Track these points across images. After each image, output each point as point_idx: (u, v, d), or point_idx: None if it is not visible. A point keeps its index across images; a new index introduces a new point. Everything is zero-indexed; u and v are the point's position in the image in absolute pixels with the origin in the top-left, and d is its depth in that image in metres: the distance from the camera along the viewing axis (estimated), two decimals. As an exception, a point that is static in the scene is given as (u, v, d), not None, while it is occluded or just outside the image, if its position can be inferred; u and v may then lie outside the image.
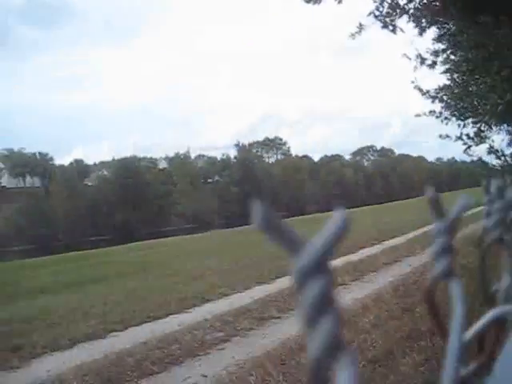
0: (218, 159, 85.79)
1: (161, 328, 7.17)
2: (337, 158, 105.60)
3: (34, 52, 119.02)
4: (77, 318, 8.11)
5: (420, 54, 6.40)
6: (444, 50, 6.71)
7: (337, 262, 11.77)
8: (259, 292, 9.18)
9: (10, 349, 6.48)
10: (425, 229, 18.42)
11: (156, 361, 5.67)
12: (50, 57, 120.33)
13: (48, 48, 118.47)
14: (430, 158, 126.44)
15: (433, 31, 6.04)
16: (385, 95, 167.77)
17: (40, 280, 13.85)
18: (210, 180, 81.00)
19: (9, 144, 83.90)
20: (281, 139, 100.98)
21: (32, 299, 10.81)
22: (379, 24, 5.10)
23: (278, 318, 7.34)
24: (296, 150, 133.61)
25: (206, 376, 5.17)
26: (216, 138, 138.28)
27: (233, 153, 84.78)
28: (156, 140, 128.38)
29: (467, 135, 6.77)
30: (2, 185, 73.35)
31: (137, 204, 65.81)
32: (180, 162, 77.55)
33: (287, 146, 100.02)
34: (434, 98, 7.57)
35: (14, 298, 10.92)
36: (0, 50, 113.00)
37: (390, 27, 5.07)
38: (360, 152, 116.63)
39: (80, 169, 75.11)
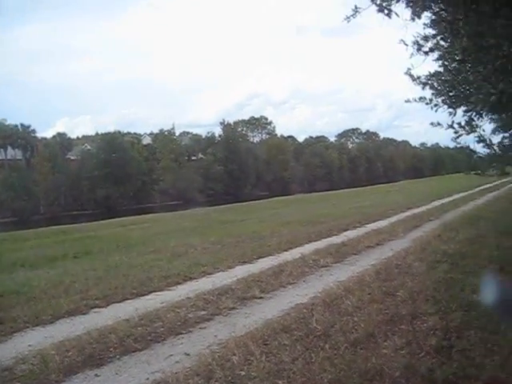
0: (203, 137, 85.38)
1: (143, 305, 7.15)
2: (322, 139, 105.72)
3: (20, 21, 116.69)
4: (58, 293, 8.05)
5: (417, 41, 6.36)
6: (434, 36, 6.67)
7: (320, 244, 11.86)
8: (242, 271, 9.20)
9: (-10, 322, 6.45)
10: (407, 213, 18.62)
11: (139, 338, 5.66)
12: (36, 26, 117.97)
13: (34, 17, 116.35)
14: (414, 143, 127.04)
15: (425, 16, 5.99)
16: (372, 79, 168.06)
17: (21, 253, 13.77)
18: (194, 157, 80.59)
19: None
20: (266, 119, 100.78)
21: (12, 273, 10.75)
22: (374, 8, 5.04)
23: (261, 298, 7.36)
24: (281, 130, 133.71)
25: (188, 354, 5.18)
26: (201, 115, 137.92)
27: (218, 131, 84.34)
28: (140, 115, 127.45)
29: (459, 124, 6.77)
30: (-17, 156, 72.39)
31: (119, 179, 65.33)
32: (164, 138, 76.96)
33: (272, 125, 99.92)
34: (424, 84, 7.55)
35: (-6, 272, 10.87)
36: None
37: (386, 11, 5.01)
38: (345, 134, 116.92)
39: (63, 142, 74.28)
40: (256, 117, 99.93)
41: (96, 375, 4.82)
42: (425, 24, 6.37)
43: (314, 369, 4.42)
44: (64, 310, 7.00)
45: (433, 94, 7.58)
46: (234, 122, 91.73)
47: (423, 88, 7.61)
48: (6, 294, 8.23)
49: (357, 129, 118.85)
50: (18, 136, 71.58)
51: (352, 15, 5.21)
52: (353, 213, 19.84)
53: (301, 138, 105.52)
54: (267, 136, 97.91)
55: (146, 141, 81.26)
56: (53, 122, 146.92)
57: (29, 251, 14.22)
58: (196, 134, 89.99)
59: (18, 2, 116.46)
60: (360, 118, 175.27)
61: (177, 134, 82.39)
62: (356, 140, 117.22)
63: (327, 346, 4.95)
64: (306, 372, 4.36)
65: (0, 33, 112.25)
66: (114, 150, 68.30)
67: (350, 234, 13.61)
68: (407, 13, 5.39)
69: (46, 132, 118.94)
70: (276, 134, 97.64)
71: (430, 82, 7.48)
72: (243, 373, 4.50)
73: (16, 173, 62.05)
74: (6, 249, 15.00)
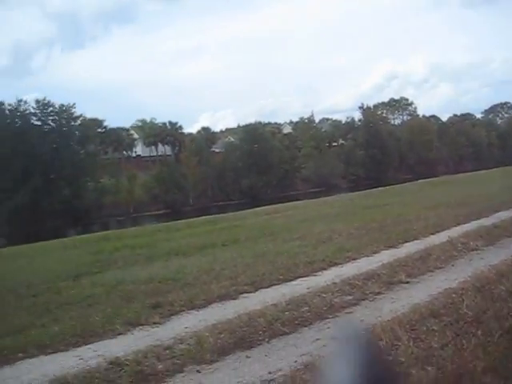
0: (343, 122, 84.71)
1: (290, 290, 7.31)
2: (467, 117, 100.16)
3: (157, 25, 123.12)
4: (210, 280, 8.45)
5: None
6: None
7: (469, 227, 11.30)
8: (387, 256, 9.04)
9: (151, 306, 6.96)
10: None
11: (286, 322, 5.82)
12: (172, 28, 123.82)
13: (170, 20, 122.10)
14: None
15: None
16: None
17: (174, 243, 14.55)
18: (334, 144, 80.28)
19: (141, 115, 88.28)
20: (407, 99, 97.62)
21: (167, 261, 11.44)
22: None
23: (407, 282, 7.21)
24: (423, 110, 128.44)
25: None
26: (339, 101, 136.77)
27: (357, 115, 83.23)
28: (279, 105, 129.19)
29: None
30: (137, 154, 77.87)
31: (262, 169, 66.95)
32: (304, 126, 77.52)
33: (413, 106, 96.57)
34: None
35: (151, 260, 11.63)
36: (130, 26, 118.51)
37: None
38: (493, 110, 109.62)
39: (207, 136, 77.64)
40: (396, 98, 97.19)
41: (247, 356, 5.04)
42: None
43: (466, 356, 4.26)
44: (215, 295, 7.35)
45: None
46: (374, 106, 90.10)
47: None
48: (163, 280, 8.78)
49: (506, 103, 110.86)
50: (166, 133, 76.17)
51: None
52: (506, 193, 18.57)
53: (444, 117, 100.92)
54: (408, 117, 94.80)
55: (287, 130, 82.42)
56: (196, 117, 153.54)
57: (181, 240, 14.96)
58: (335, 120, 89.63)
59: (156, 8, 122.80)
60: (510, 90, 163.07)
61: (316, 121, 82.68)
62: (506, 115, 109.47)
63: (479, 333, 4.74)
64: (457, 359, 4.22)
65: (139, 37, 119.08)
66: (256, 140, 70.14)
67: (503, 215, 12.80)
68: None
69: (192, 127, 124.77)
70: (418, 115, 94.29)
71: None
72: (390, 358, 4.46)
73: (166, 168, 66.02)
74: (161, 238, 15.89)
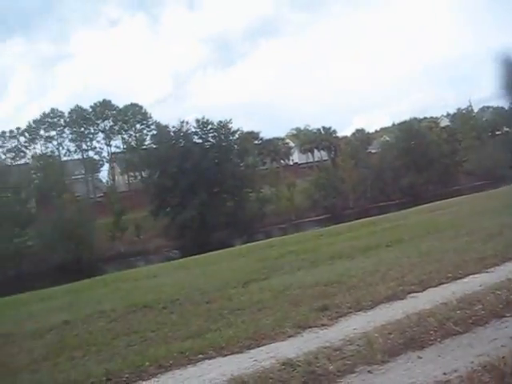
0: (506, 108, 78.97)
1: (460, 288, 7.03)
2: None
3: (302, 34, 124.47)
4: (375, 281, 8.38)
5: None
6: None
7: None
8: None
9: (318, 309, 7.07)
10: None
11: (458, 321, 5.59)
12: (317, 35, 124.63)
13: (314, 28, 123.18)
14: None
15: None
16: None
17: (336, 246, 14.62)
18: (498, 132, 75.13)
19: (295, 124, 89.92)
20: None
21: (331, 264, 11.52)
22: None
23: None
24: None
25: (515, 338, 4.93)
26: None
27: (523, 99, 76.99)
28: (434, 98, 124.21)
29: None
30: (294, 161, 79.39)
31: (421, 166, 64.74)
32: (463, 117, 73.63)
33: None
34: None
35: (316, 264, 11.79)
36: (276, 39, 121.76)
37: None
38: None
39: (362, 138, 76.91)
40: None
41: (418, 357, 4.93)
42: None
43: None
44: (382, 296, 7.28)
45: None
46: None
47: None
48: (328, 283, 8.86)
49: None
50: (321, 139, 76.75)
51: None
52: None
53: None
54: None
55: (444, 123, 78.88)
56: (349, 120, 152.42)
57: (343, 244, 14.98)
58: (497, 107, 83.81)
59: (298, 17, 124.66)
60: None
61: (475, 111, 78.10)
62: None
63: None
64: None
65: (286, 48, 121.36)
66: (412, 137, 68.11)
67: None
68: None
69: (346, 131, 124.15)
70: None
71: None
72: None
73: (324, 173, 66.37)
74: (324, 243, 16.05)
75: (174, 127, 60.75)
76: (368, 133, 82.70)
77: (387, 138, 76.39)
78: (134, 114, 74.05)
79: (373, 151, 74.89)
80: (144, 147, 68.28)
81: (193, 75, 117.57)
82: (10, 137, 70.62)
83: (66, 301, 12.64)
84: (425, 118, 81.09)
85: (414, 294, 7.29)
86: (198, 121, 61.29)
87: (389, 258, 10.70)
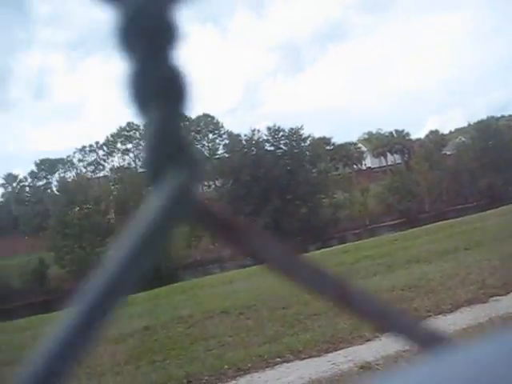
0: None
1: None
2: None
3: (369, 37, 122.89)
4: (455, 284, 8.20)
5: None
6: None
7: None
8: None
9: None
10: None
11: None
12: (385, 36, 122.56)
13: (381, 30, 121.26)
14: None
15: None
16: None
17: (413, 250, 14.36)
18: None
19: (367, 127, 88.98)
20: None
21: (408, 268, 11.33)
22: None
23: None
24: None
25: None
26: None
27: None
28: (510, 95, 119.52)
29: None
30: (367, 166, 78.49)
31: (500, 166, 62.32)
32: (544, 114, 70.43)
33: None
34: None
35: (392, 269, 11.63)
36: (343, 42, 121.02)
37: None
38: None
39: (436, 139, 75.04)
40: None
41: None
42: None
43: None
44: (462, 299, 7.13)
45: None
46: None
47: None
48: (405, 287, 8.74)
49: None
50: (394, 142, 75.52)
51: None
52: None
53: None
54: None
55: (525, 120, 75.78)
56: (423, 122, 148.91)
57: (420, 247, 14.71)
58: None
59: (364, 20, 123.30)
60: None
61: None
62: None
63: None
64: None
65: (354, 52, 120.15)
66: (490, 136, 65.76)
67: None
68: None
69: (419, 133, 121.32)
70: None
71: None
72: None
73: (398, 176, 65.14)
74: (399, 247, 15.81)
75: (245, 136, 61.56)
76: (442, 134, 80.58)
77: (463, 139, 74.10)
78: (206, 125, 75.41)
79: (448, 153, 72.84)
80: (217, 156, 69.39)
81: (263, 83, 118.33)
82: (90, 151, 73.81)
83: (146, 307, 13.04)
84: (502, 117, 78.28)
85: (497, 297, 7.09)
86: (269, 128, 61.83)
87: (468, 262, 10.42)
